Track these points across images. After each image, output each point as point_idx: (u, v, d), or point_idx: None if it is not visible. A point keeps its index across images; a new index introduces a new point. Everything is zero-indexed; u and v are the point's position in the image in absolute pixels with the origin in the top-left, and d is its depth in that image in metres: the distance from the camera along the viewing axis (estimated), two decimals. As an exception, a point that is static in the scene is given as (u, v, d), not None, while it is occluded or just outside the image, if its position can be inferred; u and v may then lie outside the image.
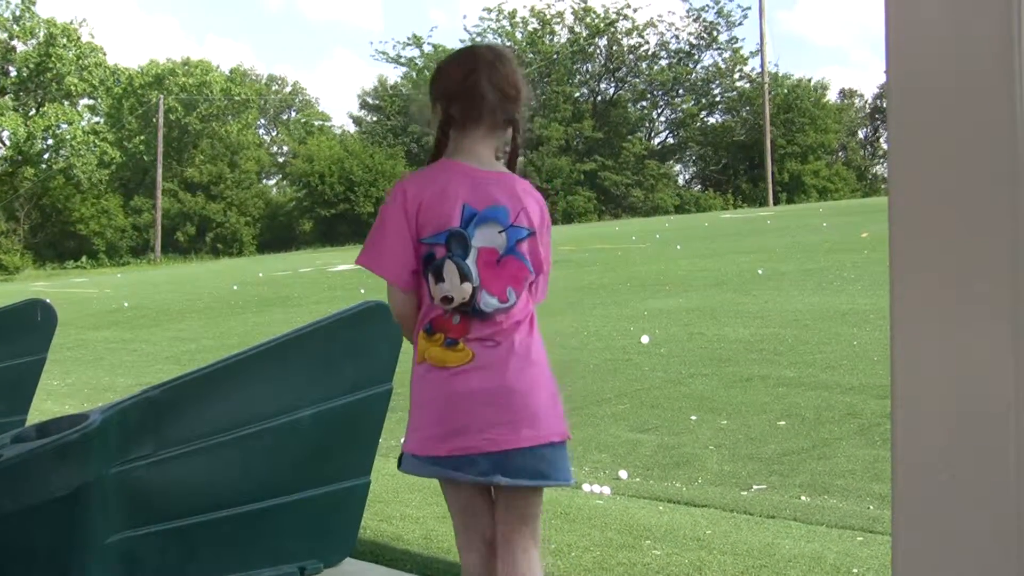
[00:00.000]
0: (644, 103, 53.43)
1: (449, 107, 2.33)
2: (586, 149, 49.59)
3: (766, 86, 46.25)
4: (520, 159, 2.44)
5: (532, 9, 51.92)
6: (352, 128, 55.50)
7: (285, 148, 58.42)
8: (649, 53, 52.26)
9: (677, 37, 53.04)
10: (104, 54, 49.88)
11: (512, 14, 51.57)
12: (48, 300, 5.10)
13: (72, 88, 47.43)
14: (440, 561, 3.55)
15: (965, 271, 1.03)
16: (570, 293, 12.99)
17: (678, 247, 19.57)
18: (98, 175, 46.90)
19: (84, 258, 46.37)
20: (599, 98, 52.92)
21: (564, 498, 4.50)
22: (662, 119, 54.07)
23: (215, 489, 3.16)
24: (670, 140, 54.14)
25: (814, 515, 4.36)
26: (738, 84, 51.59)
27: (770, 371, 7.58)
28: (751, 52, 50.80)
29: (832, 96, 53.17)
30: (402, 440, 2.37)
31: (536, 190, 2.41)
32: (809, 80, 51.36)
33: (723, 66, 51.74)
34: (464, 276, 2.24)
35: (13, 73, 47.85)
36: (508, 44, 49.95)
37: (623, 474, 5.25)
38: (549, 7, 51.98)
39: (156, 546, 3.04)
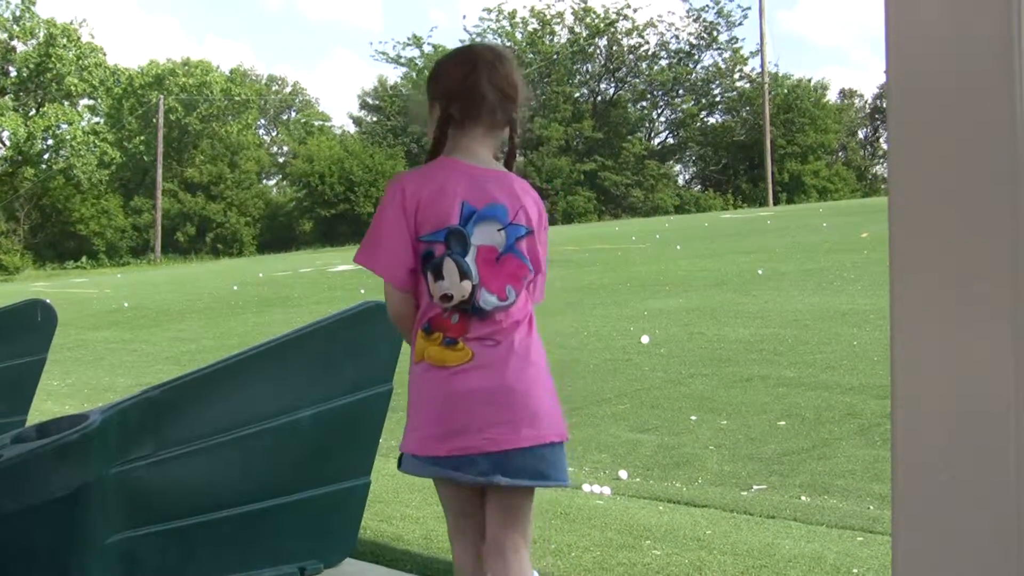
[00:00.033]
0: (644, 103, 53.44)
1: (448, 106, 2.32)
2: (586, 149, 49.59)
3: (766, 86, 46.24)
4: (520, 159, 2.44)
5: (532, 9, 51.99)
6: (352, 128, 55.54)
7: (285, 148, 58.43)
8: (649, 53, 52.30)
9: (677, 37, 53.10)
10: (104, 54, 49.92)
11: (512, 14, 51.60)
12: (48, 300, 5.09)
13: (72, 88, 47.43)
14: (440, 561, 3.55)
15: (965, 271, 1.03)
16: (570, 293, 12.99)
17: (678, 247, 19.58)
18: (98, 175, 46.91)
19: (84, 258, 46.38)
20: (599, 98, 52.93)
21: (564, 498, 4.50)
22: (662, 119, 54.13)
23: (215, 489, 3.16)
24: (670, 140, 54.17)
25: (814, 515, 4.36)
26: (738, 84, 51.63)
27: (770, 371, 7.58)
28: (751, 52, 50.88)
29: (832, 96, 53.24)
30: (401, 440, 2.37)
31: (534, 189, 2.41)
32: (809, 80, 51.42)
33: (723, 66, 51.79)
34: (464, 274, 2.24)
35: (13, 73, 47.86)
36: (508, 44, 49.95)
37: (623, 474, 5.25)
38: (549, 7, 52.04)
39: (156, 546, 3.04)
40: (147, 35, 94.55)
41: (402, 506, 4.35)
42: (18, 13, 46.50)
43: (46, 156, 47.40)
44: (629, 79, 52.79)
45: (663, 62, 52.07)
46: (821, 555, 3.62)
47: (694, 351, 8.68)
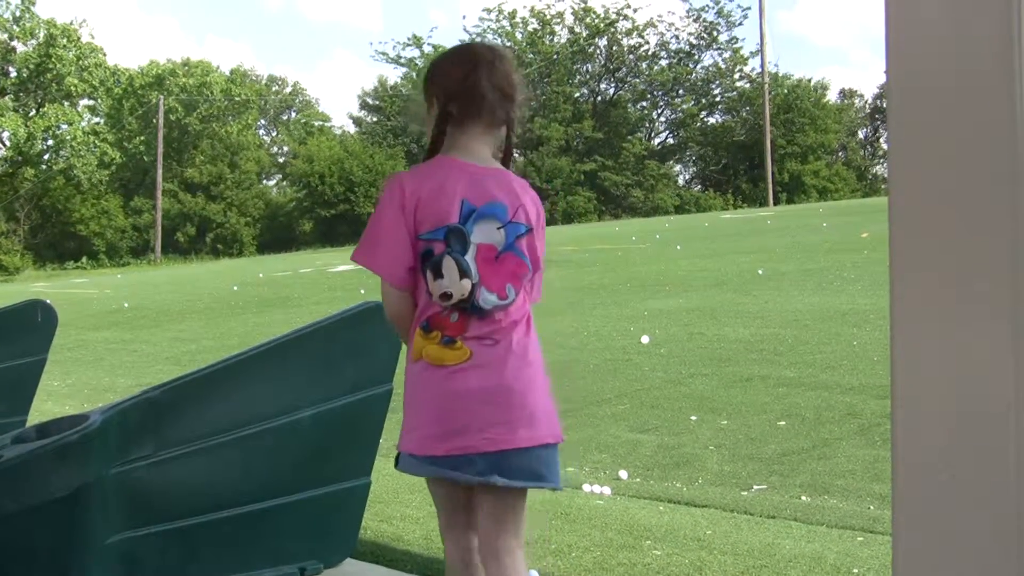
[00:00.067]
0: (644, 103, 53.45)
1: (448, 104, 2.31)
2: (586, 149, 49.59)
3: (766, 86, 46.24)
4: (520, 159, 2.43)
5: (532, 9, 52.00)
6: (352, 129, 55.56)
7: (285, 149, 58.45)
8: (649, 53, 52.31)
9: (677, 37, 53.13)
10: (104, 55, 49.92)
11: (512, 14, 51.60)
12: (48, 301, 5.09)
13: (72, 89, 47.44)
14: (441, 561, 3.53)
15: (965, 271, 1.03)
16: (570, 293, 12.99)
17: (678, 247, 19.58)
18: (98, 176, 46.91)
19: (84, 259, 46.39)
20: (599, 98, 52.93)
21: (565, 498, 4.50)
22: (662, 119, 54.14)
23: (215, 490, 3.16)
24: (670, 140, 54.18)
25: (814, 515, 4.36)
26: (738, 84, 51.63)
27: (770, 371, 7.58)
28: (751, 52, 50.89)
29: (832, 96, 53.26)
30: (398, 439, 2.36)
31: (532, 188, 2.40)
32: (809, 80, 51.44)
33: (723, 66, 51.80)
34: (463, 272, 2.23)
35: (13, 74, 47.86)
36: (508, 44, 49.94)
37: (623, 474, 5.25)
38: (549, 7, 52.05)
39: (156, 547, 3.04)
40: (147, 35, 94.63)
41: (402, 506, 4.35)
42: (18, 14, 46.52)
43: (46, 156, 47.42)
44: (629, 79, 52.80)
45: (663, 62, 52.12)
46: (821, 555, 3.62)
47: (694, 351, 8.68)
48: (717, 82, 52.20)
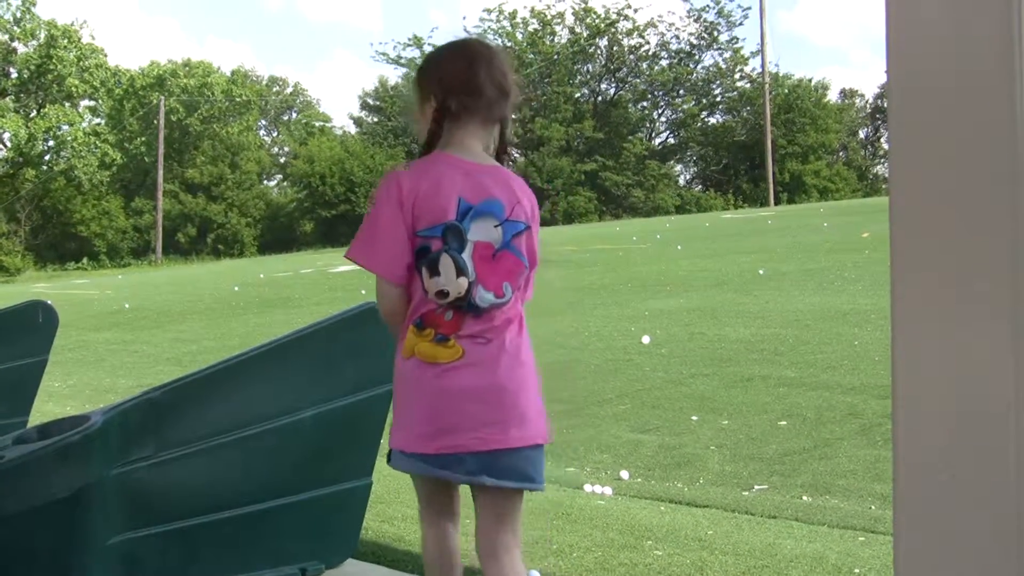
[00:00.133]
0: (645, 103, 53.46)
1: (446, 99, 2.28)
2: (587, 149, 49.59)
3: (767, 86, 46.24)
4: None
5: (532, 10, 52.01)
6: (353, 129, 55.60)
7: (286, 149, 58.47)
8: (650, 53, 52.32)
9: (678, 37, 53.13)
10: (105, 55, 50.01)
11: (512, 15, 51.60)
12: (49, 301, 5.09)
13: (73, 89, 47.48)
14: (441, 562, 3.55)
15: (965, 271, 1.03)
16: (571, 293, 12.99)
17: (679, 247, 19.58)
18: (99, 176, 46.95)
19: (85, 259, 46.41)
20: (600, 98, 52.93)
21: (566, 499, 4.50)
22: (663, 119, 54.14)
23: (216, 490, 3.16)
24: (671, 140, 54.19)
25: (816, 515, 4.36)
26: (739, 84, 51.64)
27: (771, 371, 7.58)
28: (752, 52, 50.90)
29: (833, 96, 53.27)
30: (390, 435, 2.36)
31: (526, 185, 2.38)
32: (810, 80, 51.45)
33: (724, 66, 51.81)
34: (460, 270, 2.21)
35: (14, 75, 47.91)
36: (508, 45, 49.93)
37: (624, 474, 5.25)
38: (549, 8, 52.06)
39: (157, 547, 3.04)
40: (148, 36, 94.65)
41: (403, 507, 4.35)
42: (19, 15, 46.57)
43: (47, 157, 47.46)
44: (630, 79, 52.81)
45: (664, 62, 52.13)
46: (823, 555, 3.62)
47: (695, 351, 8.68)
48: (718, 82, 52.23)
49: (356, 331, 3.32)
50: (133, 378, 9.94)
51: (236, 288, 19.31)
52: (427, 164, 2.28)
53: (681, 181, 53.72)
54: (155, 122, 48.60)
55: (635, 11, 54.48)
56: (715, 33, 50.98)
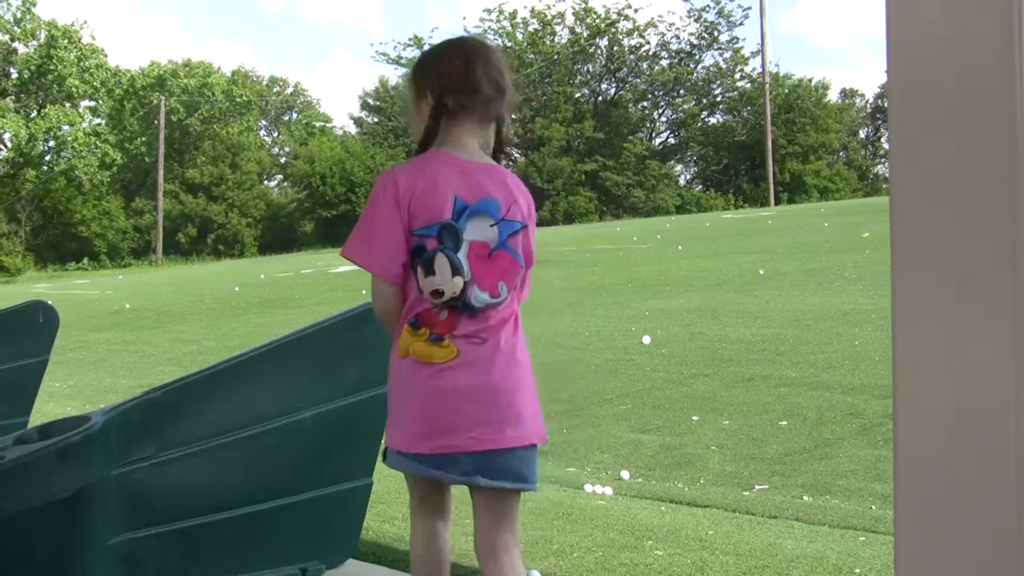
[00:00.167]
0: (645, 103, 53.46)
1: (443, 96, 2.27)
2: (587, 149, 49.59)
3: (767, 86, 46.24)
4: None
5: (533, 10, 52.01)
6: (353, 129, 55.61)
7: (286, 149, 58.48)
8: (650, 53, 52.32)
9: (678, 37, 53.13)
10: (105, 56, 50.02)
11: (513, 15, 51.61)
12: (50, 302, 5.09)
13: (73, 90, 47.50)
14: (442, 562, 3.55)
15: (965, 271, 1.03)
16: (571, 293, 12.99)
17: (679, 247, 19.57)
18: (99, 177, 46.96)
19: (86, 260, 46.41)
20: (600, 98, 52.93)
21: (566, 499, 4.50)
22: (663, 119, 54.14)
23: (216, 491, 3.16)
24: (671, 140, 54.19)
25: (816, 515, 4.36)
26: (739, 84, 51.63)
27: (772, 371, 7.58)
28: (752, 52, 50.89)
29: (833, 96, 53.26)
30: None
31: (523, 183, 2.37)
32: (810, 80, 51.45)
33: (724, 66, 51.81)
34: (455, 270, 2.20)
35: (14, 75, 47.92)
36: (509, 45, 49.94)
37: (625, 474, 5.25)
38: (550, 8, 52.07)
39: (157, 548, 3.04)
40: (148, 36, 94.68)
41: (404, 507, 4.34)
42: (19, 15, 46.59)
43: (47, 158, 47.47)
44: (630, 79, 52.81)
45: (664, 62, 52.14)
46: (823, 555, 3.62)
47: (695, 351, 8.68)
48: (718, 82, 52.23)
49: (356, 331, 3.32)
50: (134, 378, 9.94)
51: (236, 288, 19.31)
52: (423, 162, 2.26)
53: (681, 181, 53.77)
54: (155, 122, 48.61)
55: (635, 11, 54.50)
56: (715, 33, 51.03)
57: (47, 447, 2.90)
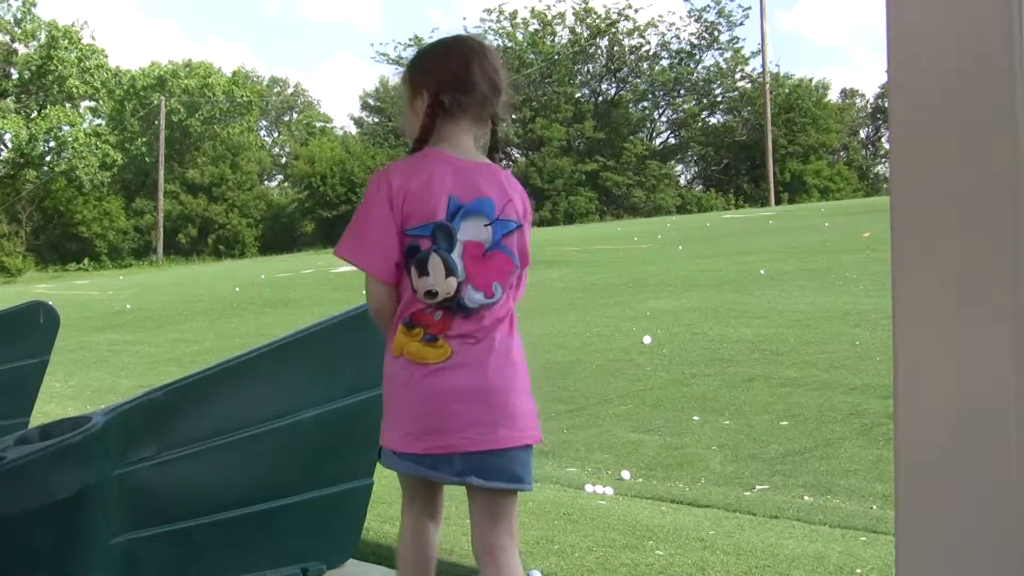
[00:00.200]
0: (645, 103, 53.45)
1: (440, 94, 2.26)
2: (587, 150, 49.58)
3: (767, 86, 46.25)
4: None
5: (533, 10, 51.97)
6: (353, 129, 55.61)
7: (287, 149, 58.49)
8: (650, 53, 52.31)
9: (678, 37, 53.13)
10: (106, 56, 49.98)
11: (513, 15, 51.60)
12: (50, 302, 5.10)
13: (74, 90, 47.49)
14: (442, 562, 3.55)
15: (965, 271, 1.03)
16: (572, 293, 12.99)
17: (680, 247, 19.58)
18: (100, 177, 46.95)
19: (86, 260, 46.40)
20: (600, 99, 52.92)
21: (567, 499, 4.50)
22: (663, 119, 54.13)
23: (217, 491, 3.16)
24: (671, 140, 54.18)
25: (817, 515, 4.36)
26: (739, 84, 51.63)
27: (772, 371, 7.58)
28: (752, 52, 50.87)
29: (833, 96, 53.25)
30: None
31: (518, 183, 2.36)
32: (810, 80, 51.43)
33: (724, 66, 51.79)
34: (449, 270, 2.19)
35: (15, 75, 47.91)
36: (509, 45, 49.95)
37: (626, 474, 5.25)
38: (550, 8, 52.05)
39: (158, 548, 3.04)
40: (148, 37, 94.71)
41: (404, 507, 4.34)
42: (19, 15, 46.59)
43: (48, 158, 47.46)
44: (630, 79, 52.80)
45: (664, 62, 52.13)
46: (824, 555, 3.61)
47: (696, 351, 8.68)
48: (718, 82, 52.21)
49: (357, 331, 3.32)
50: (134, 379, 9.95)
51: (237, 289, 19.31)
52: (418, 161, 2.26)
53: (682, 181, 53.77)
54: (156, 123, 48.60)
55: (635, 11, 54.34)
56: (715, 33, 51.02)
57: (48, 447, 2.90)
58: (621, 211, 47.46)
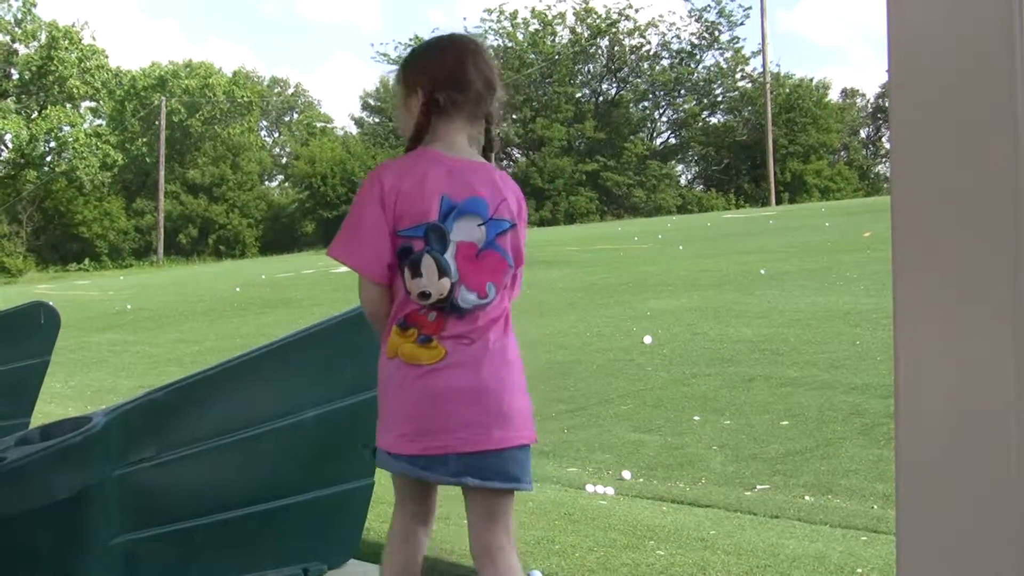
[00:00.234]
0: (646, 103, 53.43)
1: (435, 92, 2.25)
2: (588, 150, 49.56)
3: (768, 86, 46.24)
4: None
5: (533, 10, 51.93)
6: (354, 129, 55.59)
7: (287, 150, 58.49)
8: (651, 53, 52.28)
9: (679, 37, 53.06)
10: (106, 56, 49.95)
11: (513, 15, 51.57)
12: (51, 302, 5.10)
13: (74, 91, 47.48)
14: (443, 562, 3.55)
15: (966, 271, 1.03)
16: (572, 293, 12.99)
17: (680, 247, 19.58)
18: (100, 177, 46.94)
19: (87, 260, 46.40)
20: (601, 99, 52.90)
21: (568, 499, 4.50)
22: (664, 119, 54.10)
23: (218, 491, 3.16)
24: (672, 140, 54.16)
25: (818, 515, 4.36)
26: (740, 84, 51.60)
27: (773, 371, 7.58)
28: (752, 52, 50.85)
29: (834, 96, 53.22)
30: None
31: (513, 181, 2.36)
32: (810, 80, 51.40)
33: (725, 66, 51.77)
34: (442, 271, 2.19)
35: (15, 76, 47.90)
36: (509, 45, 49.95)
37: (627, 474, 5.25)
38: (550, 8, 52.02)
39: (159, 548, 3.04)
40: (148, 37, 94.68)
41: (405, 507, 4.34)
42: (19, 16, 46.58)
43: (48, 158, 47.46)
44: (631, 79, 52.78)
45: (665, 62, 52.10)
46: (825, 555, 3.61)
47: (697, 351, 8.68)
48: (719, 82, 52.19)
49: (357, 331, 3.31)
50: (135, 379, 9.95)
51: (238, 289, 19.31)
52: (411, 161, 2.25)
53: (682, 181, 53.73)
54: (156, 123, 48.60)
55: (636, 11, 54.38)
56: (716, 33, 51.01)
57: (48, 448, 2.90)
58: (622, 211, 47.45)
